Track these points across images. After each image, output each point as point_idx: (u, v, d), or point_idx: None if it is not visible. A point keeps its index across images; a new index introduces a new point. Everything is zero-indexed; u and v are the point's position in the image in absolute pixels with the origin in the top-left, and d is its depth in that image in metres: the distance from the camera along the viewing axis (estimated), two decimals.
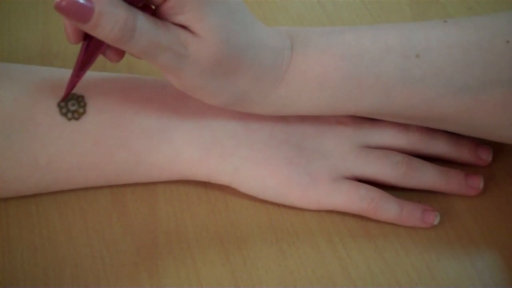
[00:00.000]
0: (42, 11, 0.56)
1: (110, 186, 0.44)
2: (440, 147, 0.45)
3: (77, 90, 0.41)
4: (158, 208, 0.44)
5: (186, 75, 0.37)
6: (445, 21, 0.41)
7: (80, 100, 0.41)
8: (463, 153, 0.45)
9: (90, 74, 0.43)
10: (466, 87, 0.39)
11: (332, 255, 0.41)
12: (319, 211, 0.43)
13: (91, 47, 0.37)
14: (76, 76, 0.39)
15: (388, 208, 0.42)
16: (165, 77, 0.39)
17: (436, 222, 0.43)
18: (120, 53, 0.39)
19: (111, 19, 0.33)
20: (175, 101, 0.42)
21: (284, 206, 0.43)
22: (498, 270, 0.41)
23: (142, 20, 0.34)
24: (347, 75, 0.39)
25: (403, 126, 0.44)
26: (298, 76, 0.39)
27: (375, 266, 0.41)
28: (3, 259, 0.41)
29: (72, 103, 0.41)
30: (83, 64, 0.38)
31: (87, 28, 0.34)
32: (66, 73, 0.42)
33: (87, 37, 0.37)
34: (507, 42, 0.39)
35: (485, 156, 0.46)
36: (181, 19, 0.35)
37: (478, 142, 0.46)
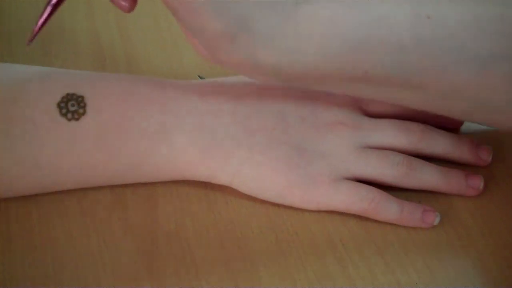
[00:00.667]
0: (42, 11, 0.56)
1: (110, 186, 0.44)
2: (440, 147, 0.45)
3: (77, 90, 0.41)
4: (158, 208, 0.44)
5: None
6: None
7: (80, 101, 0.41)
8: (463, 153, 0.45)
9: (90, 74, 0.43)
10: (477, 57, 0.38)
11: (332, 255, 0.41)
12: (319, 211, 0.43)
13: None
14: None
15: (388, 208, 0.42)
16: None
17: (436, 222, 0.43)
18: None
19: None
20: (175, 102, 0.42)
21: (284, 206, 0.43)
22: (498, 270, 0.41)
23: None
24: (357, 24, 0.38)
25: (404, 126, 0.44)
26: (306, 19, 0.37)
27: (375, 266, 0.41)
28: (3, 259, 0.41)
29: (72, 104, 0.41)
30: None
31: None
32: (67, 74, 0.42)
33: None
34: None
35: (485, 156, 0.46)
36: None
37: (478, 142, 0.46)
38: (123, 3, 0.38)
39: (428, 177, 0.43)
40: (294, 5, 0.37)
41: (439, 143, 0.45)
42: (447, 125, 0.47)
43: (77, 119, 0.41)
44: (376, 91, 0.41)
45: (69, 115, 0.41)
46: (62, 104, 0.41)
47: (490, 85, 0.39)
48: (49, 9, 0.36)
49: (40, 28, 0.37)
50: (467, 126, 0.48)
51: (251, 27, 0.37)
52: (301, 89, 0.44)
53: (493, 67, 0.38)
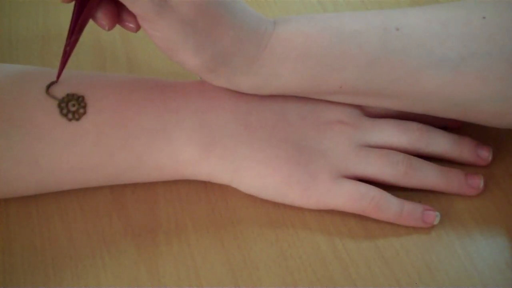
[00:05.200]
0: (42, 11, 0.56)
1: (110, 186, 0.44)
2: (440, 146, 0.45)
3: (77, 90, 0.41)
4: (158, 208, 0.44)
5: (166, 24, 0.37)
6: (421, 6, 0.43)
7: (80, 101, 0.41)
8: (463, 153, 0.45)
9: (90, 75, 0.43)
10: (446, 59, 0.40)
11: (332, 255, 0.41)
12: (319, 211, 0.43)
13: (84, 5, 0.37)
14: (68, 45, 0.39)
15: (388, 207, 0.42)
16: (146, 31, 0.38)
17: (436, 222, 0.43)
18: (112, 17, 0.39)
19: None
20: (175, 101, 0.42)
21: (284, 206, 0.43)
22: (498, 270, 0.41)
23: None
24: (330, 44, 0.40)
25: (404, 125, 0.44)
26: (281, 44, 0.40)
27: (375, 266, 0.41)
28: (3, 259, 0.41)
29: (72, 104, 0.41)
30: (76, 27, 0.38)
31: None
32: (67, 74, 0.42)
33: None
34: (483, 18, 0.40)
35: (485, 155, 0.46)
36: None
37: (478, 142, 0.46)
38: (131, 25, 0.39)
39: (428, 176, 0.43)
40: (272, 27, 0.40)
41: (439, 143, 0.45)
42: (447, 125, 0.47)
43: (77, 119, 0.41)
44: (353, 99, 0.43)
45: (70, 115, 0.41)
46: (63, 104, 0.41)
47: (464, 84, 0.41)
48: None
49: (66, 61, 0.40)
50: (467, 126, 0.48)
51: (229, 61, 0.40)
52: None
53: (464, 66, 0.40)
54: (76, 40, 0.39)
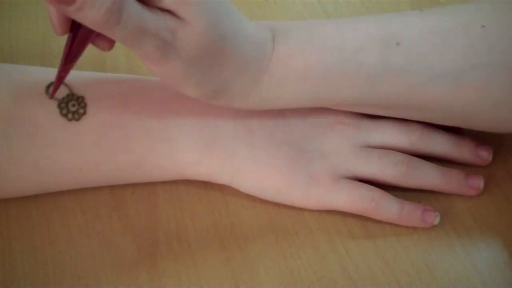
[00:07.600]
0: (42, 11, 0.56)
1: (110, 186, 0.44)
2: (440, 146, 0.45)
3: (77, 90, 0.41)
4: (158, 208, 0.44)
5: (170, 64, 0.36)
6: (421, 11, 0.42)
7: (80, 101, 0.41)
8: (463, 153, 0.45)
9: (90, 75, 0.43)
10: (447, 73, 0.40)
11: (332, 255, 0.41)
12: (319, 211, 0.43)
13: (79, 37, 0.35)
14: (63, 71, 0.37)
15: (388, 207, 0.42)
16: (147, 67, 0.37)
17: (436, 222, 0.43)
18: (111, 40, 0.37)
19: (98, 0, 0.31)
20: (175, 102, 0.42)
21: (284, 206, 0.43)
22: (498, 270, 0.41)
23: (130, 3, 0.32)
24: (330, 66, 0.39)
25: (404, 125, 0.44)
26: (280, 69, 0.39)
27: (375, 266, 0.41)
28: (3, 259, 0.41)
29: (72, 104, 0.41)
30: (70, 57, 0.36)
31: (72, 11, 0.31)
32: None
33: (73, 28, 0.35)
34: (483, 26, 0.40)
35: (485, 156, 0.46)
36: (168, 2, 0.33)
37: (478, 142, 0.46)
38: (106, 46, 0.37)
39: (428, 176, 0.43)
40: (271, 47, 0.39)
41: (439, 143, 0.45)
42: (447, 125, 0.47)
43: (77, 119, 0.41)
44: (351, 109, 0.43)
45: (70, 116, 0.41)
46: (63, 105, 0.41)
47: (464, 96, 0.40)
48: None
49: (59, 83, 0.38)
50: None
51: (228, 89, 0.39)
52: None
53: (464, 79, 0.39)
54: (72, 67, 0.37)
